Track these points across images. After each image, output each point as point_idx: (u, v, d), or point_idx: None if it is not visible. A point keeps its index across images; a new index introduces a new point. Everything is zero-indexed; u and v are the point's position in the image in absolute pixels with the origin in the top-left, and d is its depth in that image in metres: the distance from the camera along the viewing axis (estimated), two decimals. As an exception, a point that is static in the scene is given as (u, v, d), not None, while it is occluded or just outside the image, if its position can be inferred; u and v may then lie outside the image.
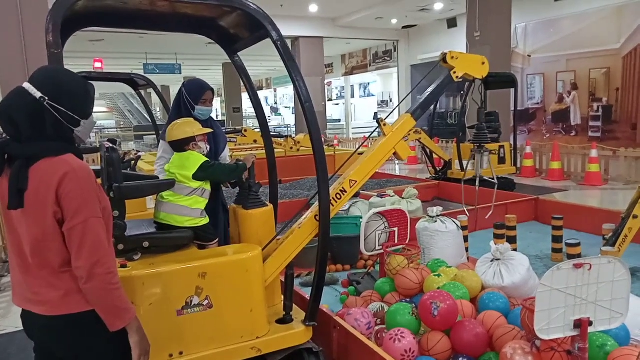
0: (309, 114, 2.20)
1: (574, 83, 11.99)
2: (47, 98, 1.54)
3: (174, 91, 24.42)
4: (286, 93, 30.75)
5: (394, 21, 16.54)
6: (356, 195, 5.73)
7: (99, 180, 2.38)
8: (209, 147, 2.79)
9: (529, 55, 12.90)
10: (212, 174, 2.55)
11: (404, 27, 17.69)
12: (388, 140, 2.81)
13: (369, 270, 4.10)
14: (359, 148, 2.96)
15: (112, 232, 1.75)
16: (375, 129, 2.88)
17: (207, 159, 2.58)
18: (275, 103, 33.09)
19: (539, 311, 2.00)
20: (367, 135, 18.43)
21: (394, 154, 2.86)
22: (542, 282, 1.99)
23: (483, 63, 3.00)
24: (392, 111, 3.75)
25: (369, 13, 15.03)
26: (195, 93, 2.92)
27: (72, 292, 1.57)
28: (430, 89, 2.96)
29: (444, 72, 3.01)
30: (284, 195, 7.22)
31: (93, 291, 1.54)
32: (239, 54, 2.86)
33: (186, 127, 2.60)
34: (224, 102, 25.97)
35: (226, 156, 3.11)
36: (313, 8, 14.82)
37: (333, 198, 2.59)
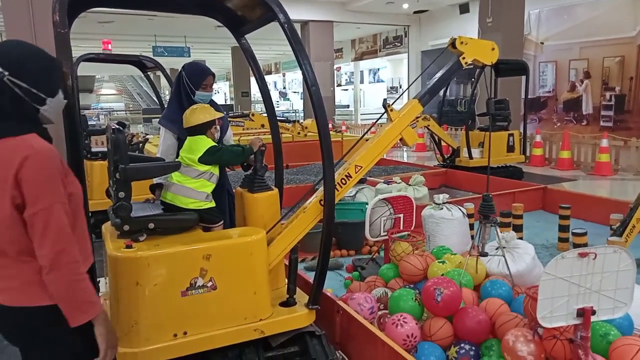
0: (315, 98, 2.18)
1: (587, 71, 11.81)
2: (7, 73, 1.44)
3: (182, 74, 24.21)
4: (295, 78, 30.56)
5: (405, 6, 16.31)
6: (363, 181, 5.73)
7: (106, 163, 2.39)
8: (219, 131, 2.80)
9: (542, 43, 12.71)
10: (218, 158, 2.56)
11: (415, 12, 17.45)
12: (394, 126, 2.79)
13: (374, 256, 4.12)
14: (365, 133, 2.94)
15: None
16: (382, 114, 2.86)
17: (215, 143, 2.59)
18: (284, 88, 32.93)
19: (542, 299, 2.00)
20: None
21: (400, 140, 2.84)
22: (546, 271, 1.98)
23: (493, 49, 2.96)
24: (399, 96, 3.71)
25: (380, -3, 14.84)
26: (196, 78, 2.85)
27: (32, 283, 1.48)
28: (438, 75, 2.93)
29: (453, 57, 2.97)
30: (290, 180, 7.23)
31: (56, 282, 1.44)
32: (246, 37, 2.84)
33: (205, 114, 2.61)
34: (233, 87, 25.91)
35: (230, 138, 3.10)
36: (323, -9, 14.65)
37: (338, 183, 2.59)
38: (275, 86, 32.76)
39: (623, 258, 2.04)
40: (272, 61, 31.23)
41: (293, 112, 24.56)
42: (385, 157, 9.05)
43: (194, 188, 2.51)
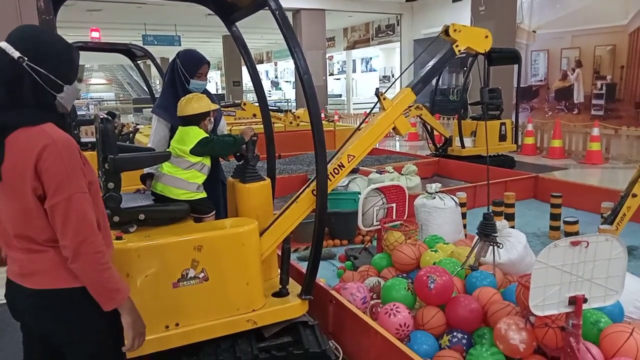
0: (307, 86, 2.15)
1: (579, 60, 11.82)
2: (26, 58, 1.40)
3: (173, 64, 23.94)
4: (287, 67, 30.36)
5: (398, -6, 16.22)
6: (355, 171, 5.71)
7: (95, 153, 2.36)
8: (213, 122, 2.77)
9: (534, 31, 12.68)
10: (210, 149, 2.53)
11: (407, 1, 17.34)
12: (387, 115, 2.77)
13: (367, 246, 4.12)
14: (360, 124, 2.91)
15: (104, 207, 1.65)
16: (376, 103, 2.83)
17: (206, 134, 2.55)
18: (276, 77, 32.71)
19: (534, 287, 2.00)
20: (367, 111, 18.19)
21: (394, 129, 2.82)
22: (539, 259, 1.98)
23: (486, 37, 2.93)
24: (391, 84, 3.68)
25: (372, -15, 14.72)
26: (191, 66, 2.81)
27: (59, 267, 1.48)
28: (431, 63, 2.90)
29: (446, 45, 2.94)
30: (282, 170, 7.20)
31: (81, 271, 1.45)
32: (237, 25, 2.79)
33: (201, 103, 2.57)
34: (224, 76, 25.69)
35: (223, 128, 3.06)
36: (315, -21, 14.50)
37: (331, 173, 2.57)
38: (267, 75, 32.53)
39: (615, 246, 2.04)
40: (264, 50, 30.97)
41: (285, 102, 24.43)
42: (377, 146, 9.03)
43: (185, 179, 2.48)
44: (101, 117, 2.14)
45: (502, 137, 8.14)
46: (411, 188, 5.91)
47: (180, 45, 18.86)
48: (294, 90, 20.62)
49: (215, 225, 2.46)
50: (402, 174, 6.26)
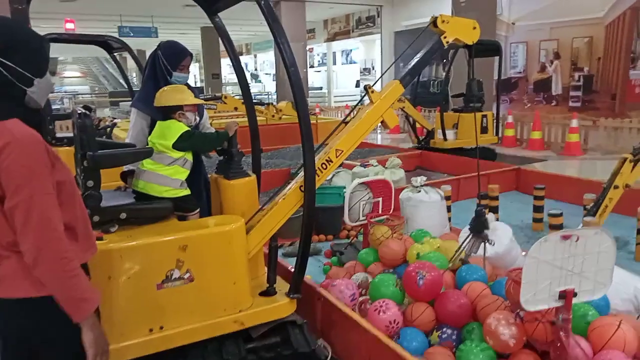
0: (294, 78, 2.09)
1: (557, 52, 11.97)
2: None
3: (150, 56, 23.50)
4: (267, 59, 30.05)
5: (378, -15, 16.15)
6: (339, 164, 5.66)
7: (72, 149, 2.25)
8: (198, 119, 2.68)
9: (513, 23, 12.79)
10: (192, 143, 2.46)
11: (388, -8, 17.31)
12: (376, 108, 2.72)
13: (352, 241, 4.09)
14: (345, 118, 2.86)
15: (84, 208, 1.57)
16: (363, 96, 2.78)
17: (188, 128, 2.47)
18: (256, 69, 32.39)
19: (525, 283, 1.98)
20: (349, 103, 18.21)
21: (382, 122, 2.78)
22: (530, 254, 1.97)
23: (474, 28, 2.90)
24: (378, 80, 3.64)
25: (352, -24, 14.61)
26: (173, 58, 2.72)
27: (23, 273, 1.38)
28: (419, 55, 2.86)
29: (434, 37, 2.90)
30: (265, 164, 7.12)
31: (44, 278, 1.35)
32: (219, 15, 2.70)
33: (177, 94, 2.48)
34: (202, 68, 25.32)
35: (206, 123, 2.98)
36: (295, -30, 14.33)
37: (318, 168, 2.52)
38: (246, 67, 32.17)
39: (604, 239, 2.04)
40: (244, 42, 30.61)
41: (266, 95, 24.21)
42: (360, 139, 8.99)
43: (167, 175, 2.40)
44: (79, 112, 2.04)
45: (484, 130, 8.18)
46: (395, 181, 5.88)
47: (157, 36, 18.48)
48: (274, 82, 20.43)
49: (200, 223, 2.39)
50: (386, 167, 6.25)
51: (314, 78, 25.64)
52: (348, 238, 4.40)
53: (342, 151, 2.62)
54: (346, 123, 2.78)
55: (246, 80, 2.85)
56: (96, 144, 2.06)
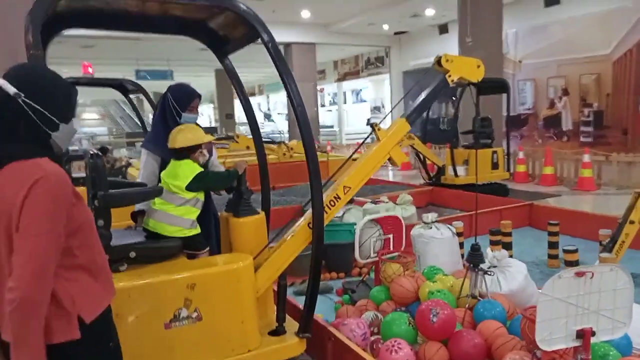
0: (301, 117, 2.13)
1: (565, 88, 12.04)
2: (22, 95, 1.39)
3: (165, 98, 24.05)
4: (279, 100, 30.66)
5: (386, 27, 16.57)
6: (350, 201, 5.65)
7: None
8: (208, 155, 2.71)
9: (520, 61, 12.96)
10: (206, 183, 2.48)
11: (395, 33, 17.73)
12: (383, 145, 2.75)
13: (364, 279, 4.03)
14: (353, 154, 2.88)
15: (101, 248, 1.56)
16: (370, 134, 2.82)
17: (201, 169, 2.49)
18: (268, 109, 32.99)
19: (540, 321, 1.93)
20: (359, 141, 18.38)
21: (389, 159, 2.79)
22: (544, 292, 1.93)
23: (478, 66, 2.95)
24: (385, 117, 3.69)
25: (361, 19, 15.03)
26: (182, 100, 2.77)
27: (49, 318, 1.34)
28: (424, 93, 2.91)
29: (439, 76, 2.95)
30: (277, 202, 7.14)
31: (13, 319, 1.28)
32: (229, 57, 2.79)
33: (194, 133, 2.51)
34: (217, 109, 25.88)
35: (215, 161, 3.02)
36: (305, 14, 14.80)
37: (327, 205, 2.52)
38: (259, 107, 32.78)
39: (620, 276, 1.99)
40: (256, 83, 31.34)
41: (278, 133, 24.56)
42: (371, 176, 9.02)
43: (178, 215, 2.41)
44: (91, 152, 2.09)
45: (495, 165, 8.16)
46: (407, 218, 5.85)
47: (172, 79, 19.02)
48: (287, 121, 20.77)
49: (208, 261, 2.38)
50: (397, 204, 6.22)
51: (326, 117, 26.02)
52: (360, 276, 4.34)
53: (350, 188, 2.62)
54: (354, 160, 2.80)
55: (255, 119, 2.90)
56: (107, 184, 2.09)
